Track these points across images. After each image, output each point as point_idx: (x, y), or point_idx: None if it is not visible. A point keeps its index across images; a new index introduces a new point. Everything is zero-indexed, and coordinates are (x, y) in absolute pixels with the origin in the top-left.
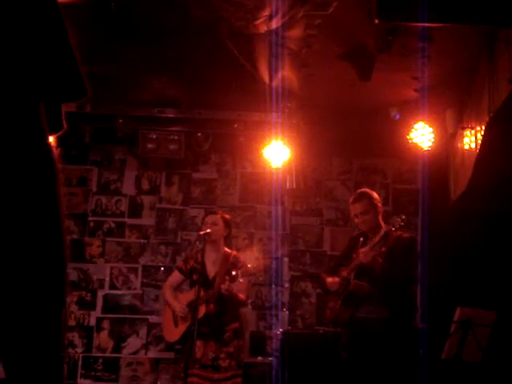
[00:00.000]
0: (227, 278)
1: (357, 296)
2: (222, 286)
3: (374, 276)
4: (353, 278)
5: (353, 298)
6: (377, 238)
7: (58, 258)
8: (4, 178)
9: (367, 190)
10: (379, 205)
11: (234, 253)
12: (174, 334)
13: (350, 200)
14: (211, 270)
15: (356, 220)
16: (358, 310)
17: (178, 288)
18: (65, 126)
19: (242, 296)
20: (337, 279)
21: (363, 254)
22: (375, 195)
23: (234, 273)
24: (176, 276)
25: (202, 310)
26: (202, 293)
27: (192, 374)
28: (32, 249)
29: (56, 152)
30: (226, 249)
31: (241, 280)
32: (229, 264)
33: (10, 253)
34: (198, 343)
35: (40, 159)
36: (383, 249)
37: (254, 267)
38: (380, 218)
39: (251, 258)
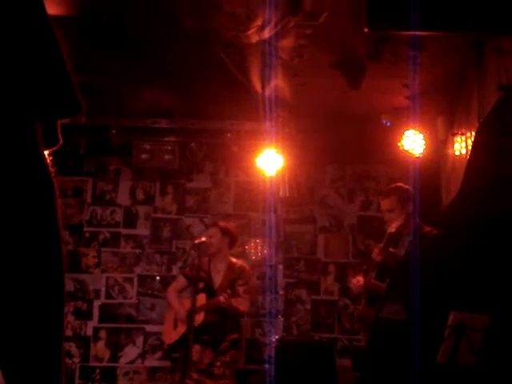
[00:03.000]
0: (228, 291)
1: (376, 296)
2: (221, 298)
3: (391, 274)
4: (373, 277)
5: (373, 297)
6: (386, 236)
7: (55, 270)
8: (1, 196)
9: (398, 185)
10: (409, 202)
11: (240, 263)
12: (172, 335)
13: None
14: (217, 279)
15: (384, 216)
16: (382, 310)
17: (181, 292)
18: (60, 140)
19: (242, 308)
20: (360, 279)
21: (374, 252)
22: (403, 194)
23: (239, 288)
24: (181, 281)
25: (201, 318)
26: (204, 300)
27: (187, 377)
28: (30, 261)
29: (52, 169)
30: (232, 259)
31: (245, 296)
32: (234, 274)
33: (8, 265)
34: (197, 347)
35: (37, 177)
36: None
37: (257, 284)
38: (410, 214)
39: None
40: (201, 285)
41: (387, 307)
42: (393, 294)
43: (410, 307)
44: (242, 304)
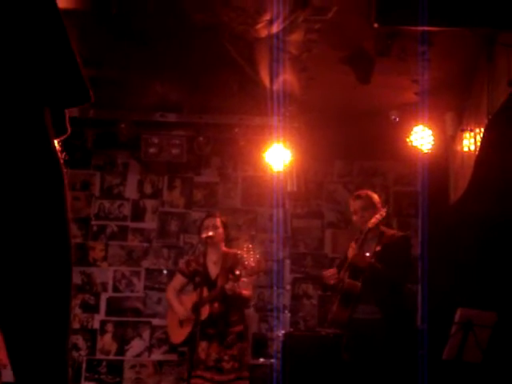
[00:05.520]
0: (231, 277)
1: (351, 295)
2: (226, 286)
3: (364, 274)
4: (347, 277)
5: (348, 297)
6: (362, 236)
7: (63, 262)
8: (10, 183)
9: (368, 191)
10: (378, 206)
11: (234, 251)
12: (179, 334)
13: (351, 198)
14: (213, 270)
15: (355, 217)
16: (356, 311)
17: (181, 291)
18: (68, 129)
19: (246, 293)
20: (333, 271)
21: (351, 252)
22: (376, 197)
23: (237, 272)
24: (178, 279)
25: (206, 311)
26: (206, 293)
27: (196, 375)
28: (38, 252)
29: (62, 156)
30: (225, 248)
31: (244, 279)
32: (230, 262)
33: (16, 256)
34: (203, 344)
35: (46, 164)
36: (377, 248)
37: (257, 266)
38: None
39: (252, 259)
40: (197, 279)
41: (361, 307)
42: (366, 294)
43: (383, 307)
44: (244, 288)
